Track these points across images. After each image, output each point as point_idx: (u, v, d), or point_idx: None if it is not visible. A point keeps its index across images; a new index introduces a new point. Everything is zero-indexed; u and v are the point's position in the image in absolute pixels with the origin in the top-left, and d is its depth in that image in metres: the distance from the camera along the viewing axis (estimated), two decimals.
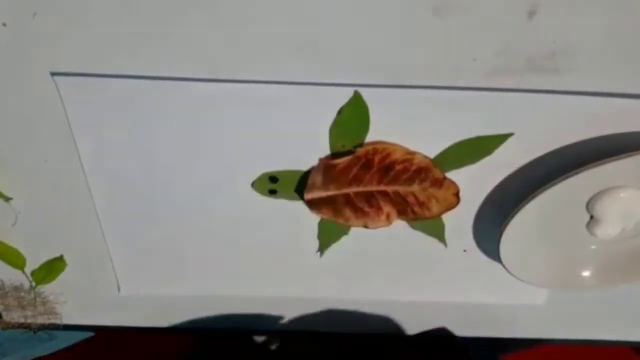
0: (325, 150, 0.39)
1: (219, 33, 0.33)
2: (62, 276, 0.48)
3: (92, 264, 0.47)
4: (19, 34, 0.33)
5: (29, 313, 0.52)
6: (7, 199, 0.42)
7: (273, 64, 0.34)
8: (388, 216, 0.41)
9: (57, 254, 0.47)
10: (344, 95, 0.36)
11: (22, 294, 0.50)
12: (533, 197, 0.38)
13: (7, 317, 0.52)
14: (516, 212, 0.39)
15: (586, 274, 0.46)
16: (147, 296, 0.50)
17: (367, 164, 0.38)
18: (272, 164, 0.40)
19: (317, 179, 0.39)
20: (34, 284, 0.49)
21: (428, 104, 0.36)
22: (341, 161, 0.38)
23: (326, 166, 0.39)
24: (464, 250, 0.46)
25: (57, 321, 0.53)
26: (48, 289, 0.50)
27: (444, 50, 0.34)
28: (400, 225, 0.43)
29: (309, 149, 0.39)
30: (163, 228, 0.44)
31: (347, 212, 0.41)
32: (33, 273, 0.48)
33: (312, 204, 0.40)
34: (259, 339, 0.59)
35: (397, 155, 0.38)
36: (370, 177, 0.39)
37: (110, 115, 0.37)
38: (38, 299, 0.50)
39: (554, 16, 0.32)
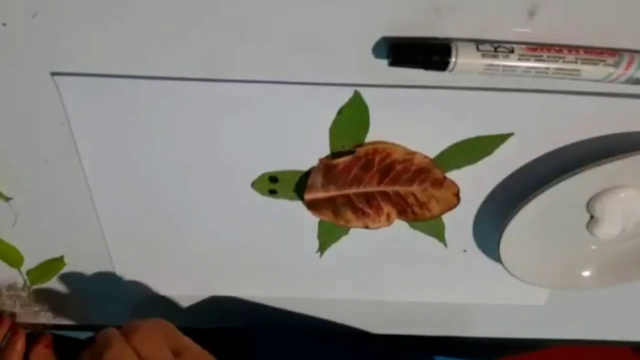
0: (325, 150, 0.39)
1: (219, 33, 0.33)
2: (62, 276, 0.49)
3: (92, 264, 0.47)
4: (19, 34, 0.33)
5: (29, 313, 0.52)
6: (7, 199, 0.42)
7: (273, 64, 0.34)
8: (388, 216, 0.41)
9: (57, 254, 0.47)
10: (344, 95, 0.36)
11: (21, 293, 0.50)
12: (533, 197, 0.38)
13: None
14: (516, 212, 0.39)
15: (586, 274, 0.46)
16: (147, 296, 0.50)
17: (367, 164, 0.38)
18: (272, 164, 0.40)
19: (317, 179, 0.39)
20: (29, 283, 0.48)
21: (428, 104, 0.36)
22: (341, 161, 0.38)
23: (326, 166, 0.39)
24: (464, 250, 0.46)
25: (58, 321, 0.53)
26: (48, 289, 0.50)
27: None
28: (400, 225, 0.43)
29: (309, 149, 0.39)
30: (163, 228, 0.44)
31: (348, 213, 0.41)
32: (29, 272, 0.48)
33: (312, 205, 0.40)
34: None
35: (397, 155, 0.38)
36: (371, 177, 0.39)
37: (110, 115, 0.37)
38: (38, 299, 0.50)
39: (553, 16, 0.32)
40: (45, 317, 0.52)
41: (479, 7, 0.32)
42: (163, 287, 0.49)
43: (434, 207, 0.41)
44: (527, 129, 0.38)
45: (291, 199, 0.42)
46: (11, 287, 0.49)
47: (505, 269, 0.43)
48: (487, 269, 0.47)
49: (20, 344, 0.42)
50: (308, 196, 0.40)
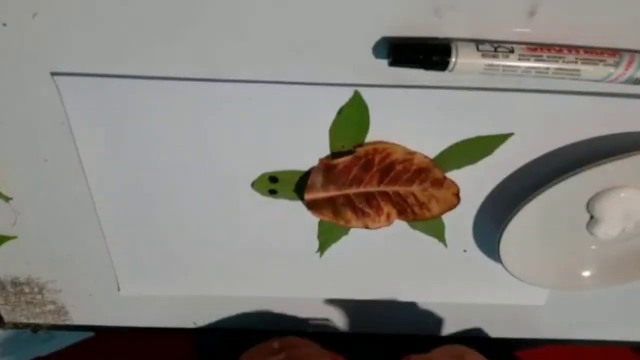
0: (325, 150, 0.39)
1: (219, 33, 0.33)
2: (63, 276, 0.49)
3: (92, 264, 0.47)
4: (19, 34, 0.33)
5: (30, 313, 0.52)
6: (7, 199, 0.42)
7: (273, 64, 0.34)
8: (388, 216, 0.41)
9: (57, 254, 0.47)
10: (344, 95, 0.36)
11: (23, 293, 0.50)
12: (533, 197, 0.38)
13: (8, 317, 0.52)
14: (516, 212, 0.39)
15: (586, 274, 0.46)
16: (147, 296, 0.50)
17: (367, 164, 0.38)
18: (272, 164, 0.40)
19: (317, 179, 0.39)
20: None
21: (428, 104, 0.36)
22: (341, 161, 0.38)
23: (326, 166, 0.39)
24: (464, 250, 0.46)
25: (58, 321, 0.53)
26: (50, 287, 0.50)
27: None
28: (400, 225, 0.43)
29: (309, 149, 0.39)
30: (163, 228, 0.44)
31: (348, 213, 0.41)
32: None
33: (312, 206, 0.40)
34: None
35: (397, 155, 0.38)
36: (371, 177, 0.39)
37: (110, 116, 0.37)
38: (39, 299, 0.50)
39: (553, 16, 0.32)
40: (51, 318, 0.52)
41: (479, 7, 0.32)
42: (163, 287, 0.49)
43: (434, 207, 0.41)
44: (527, 129, 0.38)
45: (291, 199, 0.42)
46: (15, 283, 0.49)
47: (505, 269, 0.43)
48: (487, 269, 0.47)
49: None
50: (308, 196, 0.40)
